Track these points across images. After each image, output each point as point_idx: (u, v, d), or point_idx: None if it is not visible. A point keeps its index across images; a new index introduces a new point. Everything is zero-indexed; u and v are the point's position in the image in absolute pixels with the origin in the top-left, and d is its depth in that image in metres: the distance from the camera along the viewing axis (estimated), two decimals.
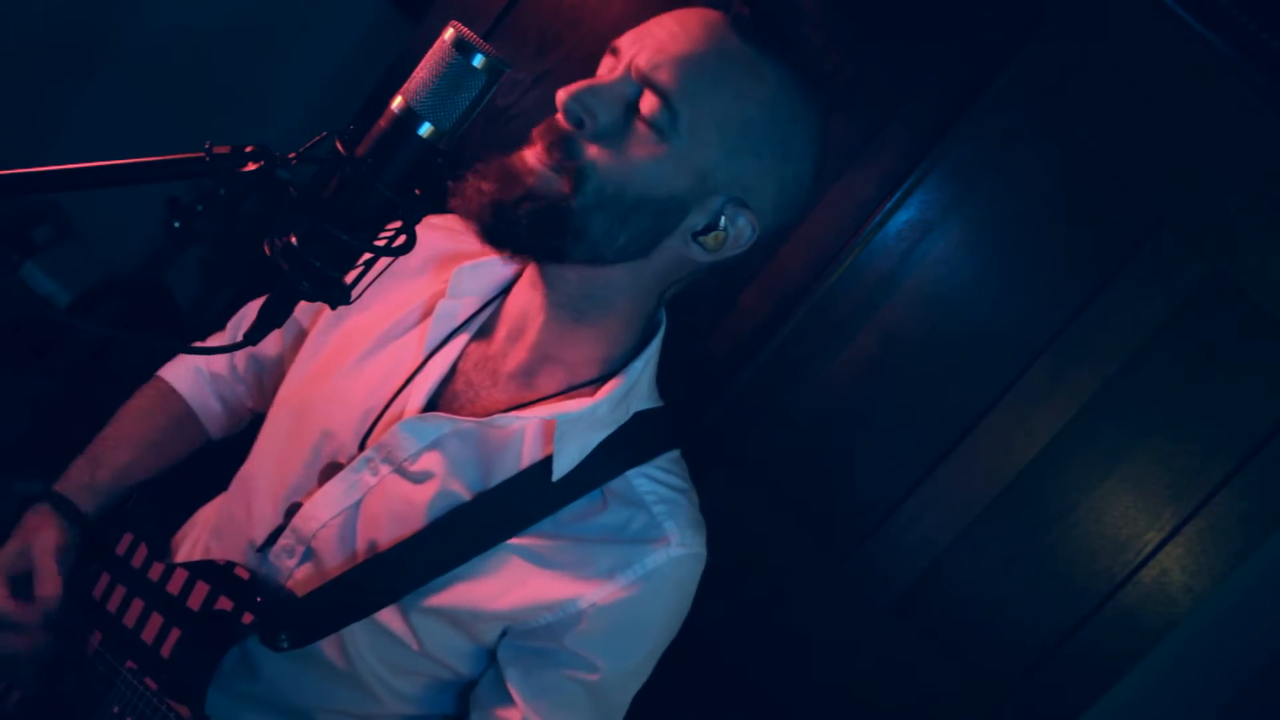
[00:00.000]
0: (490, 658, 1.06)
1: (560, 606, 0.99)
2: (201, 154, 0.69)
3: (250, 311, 1.29)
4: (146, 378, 1.32)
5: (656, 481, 1.02)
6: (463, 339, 1.06)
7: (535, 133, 0.93)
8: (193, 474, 1.31)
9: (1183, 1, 1.41)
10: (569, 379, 1.03)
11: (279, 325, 0.77)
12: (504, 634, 1.04)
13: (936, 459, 1.60)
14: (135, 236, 2.38)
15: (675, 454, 1.08)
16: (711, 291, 1.63)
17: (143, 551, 1.14)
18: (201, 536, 1.18)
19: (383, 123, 0.72)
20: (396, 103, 0.71)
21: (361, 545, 1.04)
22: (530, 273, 1.04)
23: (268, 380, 1.29)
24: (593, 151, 0.91)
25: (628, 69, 0.93)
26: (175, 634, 1.06)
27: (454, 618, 1.02)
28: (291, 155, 0.71)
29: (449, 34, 0.69)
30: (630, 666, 1.03)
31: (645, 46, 0.92)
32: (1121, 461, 1.54)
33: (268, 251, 0.74)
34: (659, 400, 1.10)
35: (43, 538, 1.10)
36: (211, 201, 0.70)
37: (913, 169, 1.53)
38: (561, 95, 0.91)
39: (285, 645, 1.02)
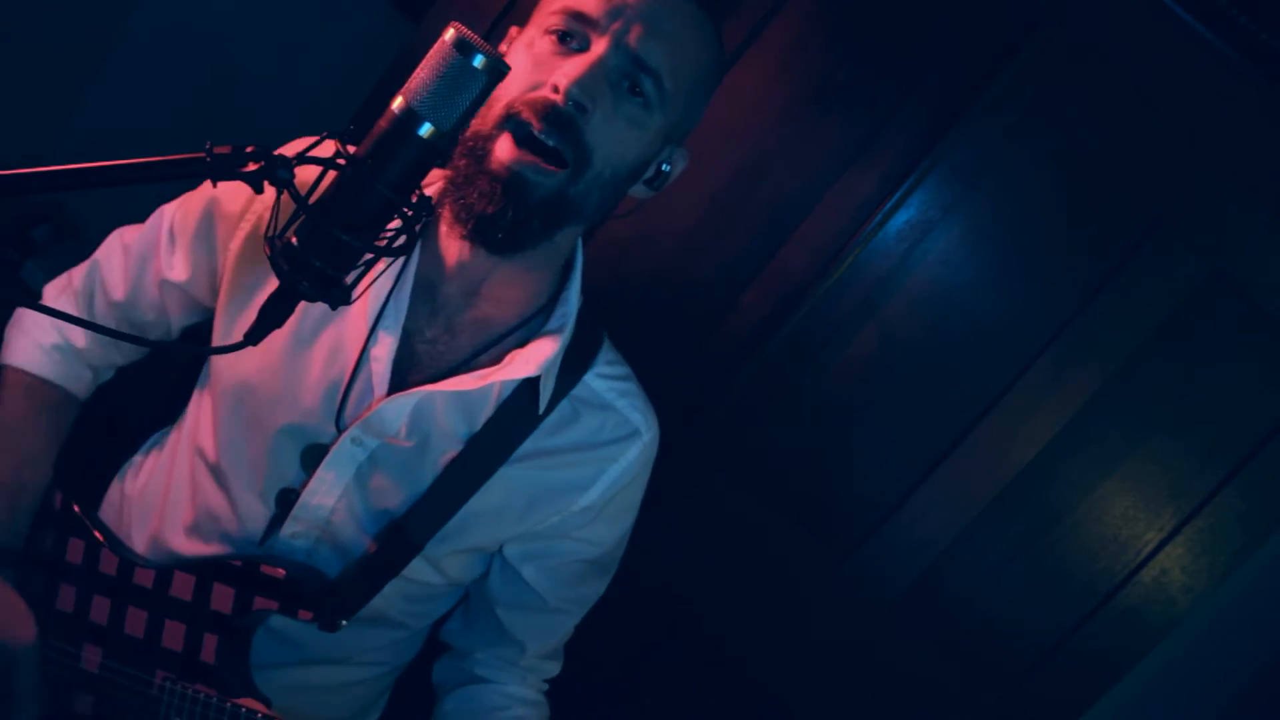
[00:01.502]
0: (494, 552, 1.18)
1: (564, 509, 1.11)
2: (201, 154, 0.69)
3: (121, 235, 1.24)
4: (147, 376, 1.29)
5: (610, 378, 1.14)
6: (404, 298, 1.06)
7: (527, 116, 0.93)
8: (86, 451, 1.23)
9: (1183, 1, 1.41)
10: (521, 311, 1.09)
11: (279, 325, 0.77)
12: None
13: (936, 459, 1.60)
14: None
15: (606, 340, 1.17)
16: (712, 291, 1.63)
17: (110, 559, 1.11)
18: (170, 533, 1.15)
19: (383, 123, 0.72)
20: (397, 103, 0.71)
21: (376, 517, 1.08)
22: None
23: (151, 337, 1.21)
24: (593, 135, 0.95)
25: (616, 44, 0.95)
26: (212, 640, 1.07)
27: (476, 551, 1.14)
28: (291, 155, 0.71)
29: (449, 34, 0.69)
30: (623, 533, 1.20)
31: (633, 24, 0.96)
32: (1121, 461, 1.54)
33: (268, 251, 0.74)
34: (581, 295, 1.16)
35: (6, 620, 1.03)
36: None
37: (913, 169, 1.53)
38: (563, 83, 0.93)
39: (344, 624, 1.08)
